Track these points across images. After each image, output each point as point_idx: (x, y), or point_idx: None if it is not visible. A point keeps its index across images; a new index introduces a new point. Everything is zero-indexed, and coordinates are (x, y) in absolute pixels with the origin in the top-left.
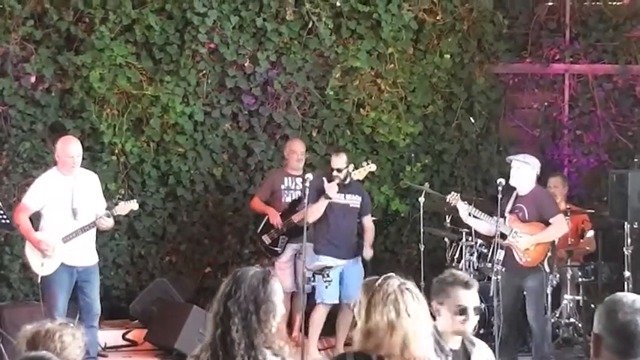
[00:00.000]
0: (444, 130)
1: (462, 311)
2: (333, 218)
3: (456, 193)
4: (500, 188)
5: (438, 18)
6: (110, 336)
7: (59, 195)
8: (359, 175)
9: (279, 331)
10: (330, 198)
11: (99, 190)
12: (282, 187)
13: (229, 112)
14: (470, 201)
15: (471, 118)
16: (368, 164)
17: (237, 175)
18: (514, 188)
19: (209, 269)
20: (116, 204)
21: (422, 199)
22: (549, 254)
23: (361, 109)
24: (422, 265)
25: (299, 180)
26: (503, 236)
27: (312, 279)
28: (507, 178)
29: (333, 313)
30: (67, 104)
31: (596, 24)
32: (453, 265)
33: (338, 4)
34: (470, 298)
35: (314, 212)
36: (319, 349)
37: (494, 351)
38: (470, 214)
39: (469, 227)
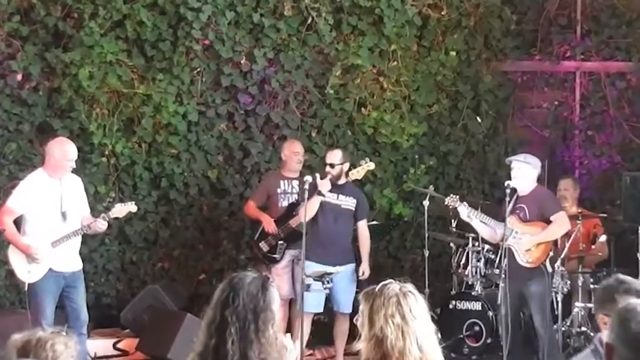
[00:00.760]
0: (450, 131)
1: None
2: (322, 220)
3: (455, 196)
4: (508, 191)
5: (443, 13)
6: (100, 345)
7: (47, 198)
8: (357, 174)
9: (276, 340)
10: (322, 195)
11: (84, 194)
12: (279, 190)
13: (225, 112)
14: (476, 204)
15: (478, 118)
16: (366, 162)
17: (232, 178)
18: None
19: (203, 276)
20: (108, 208)
21: (426, 203)
22: (551, 254)
23: (363, 109)
24: (426, 272)
25: (295, 183)
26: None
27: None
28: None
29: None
30: (55, 103)
31: (608, 20)
32: (459, 271)
33: None
34: None
35: (307, 210)
36: None
37: None
38: (469, 217)
39: (476, 232)
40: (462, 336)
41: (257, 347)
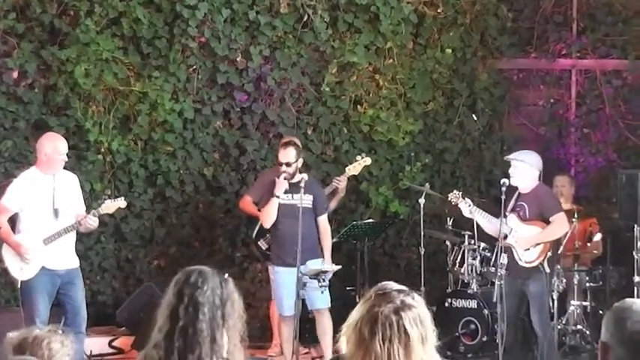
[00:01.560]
0: (446, 129)
1: None
2: (282, 222)
3: (457, 192)
4: (503, 189)
5: (439, 11)
6: (96, 343)
7: (40, 195)
8: (354, 170)
9: (239, 329)
10: (278, 197)
11: (79, 192)
12: None
13: (220, 109)
14: (472, 202)
15: (474, 116)
16: (363, 158)
17: (228, 175)
18: (517, 187)
19: None
20: (100, 203)
21: (422, 201)
22: (549, 254)
23: (358, 106)
24: (422, 270)
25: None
26: (505, 237)
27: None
28: (509, 178)
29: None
30: (50, 101)
31: (604, 17)
32: (455, 269)
33: None
34: None
35: (265, 216)
36: (313, 358)
37: (497, 359)
38: (471, 212)
39: (472, 230)
40: (457, 334)
41: (223, 332)
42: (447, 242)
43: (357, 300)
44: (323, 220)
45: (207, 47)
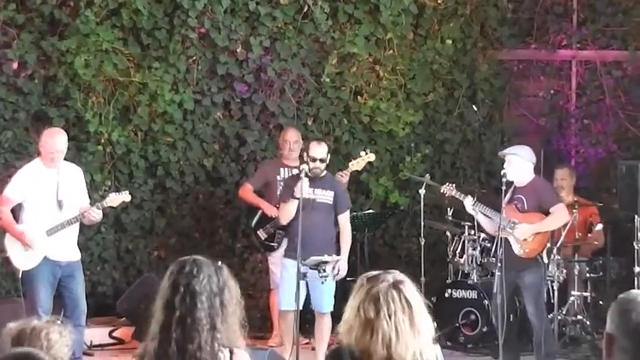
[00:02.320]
0: (446, 119)
1: None
2: (297, 215)
3: (451, 184)
4: (504, 180)
5: (439, 2)
6: (96, 334)
7: (43, 186)
8: (357, 165)
9: (237, 316)
10: (298, 199)
11: (83, 184)
12: (278, 178)
13: (221, 100)
14: (472, 193)
15: (474, 107)
16: (367, 154)
17: (228, 166)
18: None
19: None
20: (104, 196)
21: (422, 191)
22: (548, 245)
23: (359, 97)
24: (422, 261)
25: (295, 171)
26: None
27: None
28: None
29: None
30: (50, 92)
31: (604, 8)
32: (455, 260)
33: None
34: None
35: (285, 214)
36: (313, 349)
37: (497, 349)
38: (474, 209)
39: (472, 220)
40: (457, 324)
41: (222, 319)
42: (447, 233)
43: None
44: (344, 218)
45: (207, 38)
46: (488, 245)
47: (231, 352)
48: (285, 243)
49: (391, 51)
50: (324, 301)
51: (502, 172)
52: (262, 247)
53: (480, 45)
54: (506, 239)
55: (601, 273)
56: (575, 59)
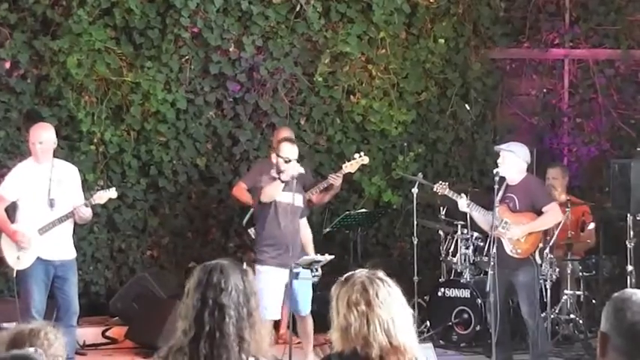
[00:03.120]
0: (438, 118)
1: None
2: (274, 220)
3: (444, 183)
4: (496, 179)
5: (431, 1)
6: (89, 333)
7: (35, 185)
8: (350, 167)
9: (262, 322)
10: (284, 182)
11: (78, 183)
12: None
13: (213, 100)
14: (465, 191)
15: (467, 106)
16: (360, 156)
17: (221, 166)
18: (505, 178)
19: (192, 264)
20: (92, 194)
21: (415, 190)
22: (541, 245)
23: (351, 96)
24: (415, 260)
25: None
26: (496, 228)
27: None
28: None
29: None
30: (43, 91)
31: (597, 7)
32: (448, 259)
33: None
34: None
35: (268, 193)
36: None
37: (490, 349)
38: (469, 208)
39: (464, 219)
40: (450, 323)
41: (250, 328)
42: (440, 232)
43: None
44: (304, 222)
45: (200, 37)
46: (481, 244)
47: None
48: (265, 249)
49: (384, 50)
50: (306, 303)
51: (495, 171)
52: (253, 245)
53: (472, 44)
54: (498, 239)
55: (594, 272)
56: (568, 58)
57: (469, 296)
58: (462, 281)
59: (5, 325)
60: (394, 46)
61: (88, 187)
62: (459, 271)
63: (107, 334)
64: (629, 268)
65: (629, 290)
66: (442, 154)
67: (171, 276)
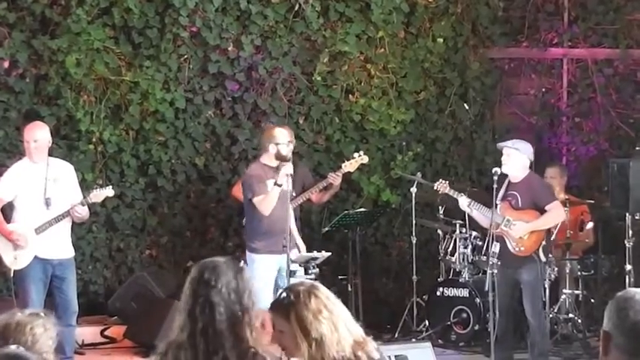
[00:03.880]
0: (437, 118)
1: None
2: (275, 208)
3: (445, 181)
4: (495, 178)
5: (430, 0)
6: (88, 332)
7: (31, 184)
8: (350, 167)
9: (258, 318)
10: (280, 185)
11: (75, 182)
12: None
13: (212, 99)
14: (464, 190)
15: (465, 105)
16: (360, 156)
17: (220, 165)
18: (507, 175)
19: (191, 263)
20: (89, 192)
21: (414, 190)
22: (544, 243)
23: (350, 96)
24: (414, 259)
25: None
26: (498, 226)
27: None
28: (501, 166)
29: None
30: (42, 91)
31: (595, 6)
32: (447, 258)
33: None
34: None
35: (267, 204)
36: None
37: (489, 348)
38: (470, 207)
39: (463, 219)
40: (449, 323)
41: (245, 325)
42: (439, 231)
43: (349, 289)
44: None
45: (199, 37)
46: (480, 243)
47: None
48: (257, 237)
49: (382, 49)
50: None
51: (494, 170)
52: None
53: (471, 43)
54: (501, 237)
55: (592, 271)
56: (567, 57)
57: (468, 295)
58: (460, 280)
59: None
60: (393, 46)
61: (86, 187)
62: (457, 270)
63: (106, 333)
64: (628, 267)
65: (632, 289)
66: (441, 153)
67: (169, 275)
